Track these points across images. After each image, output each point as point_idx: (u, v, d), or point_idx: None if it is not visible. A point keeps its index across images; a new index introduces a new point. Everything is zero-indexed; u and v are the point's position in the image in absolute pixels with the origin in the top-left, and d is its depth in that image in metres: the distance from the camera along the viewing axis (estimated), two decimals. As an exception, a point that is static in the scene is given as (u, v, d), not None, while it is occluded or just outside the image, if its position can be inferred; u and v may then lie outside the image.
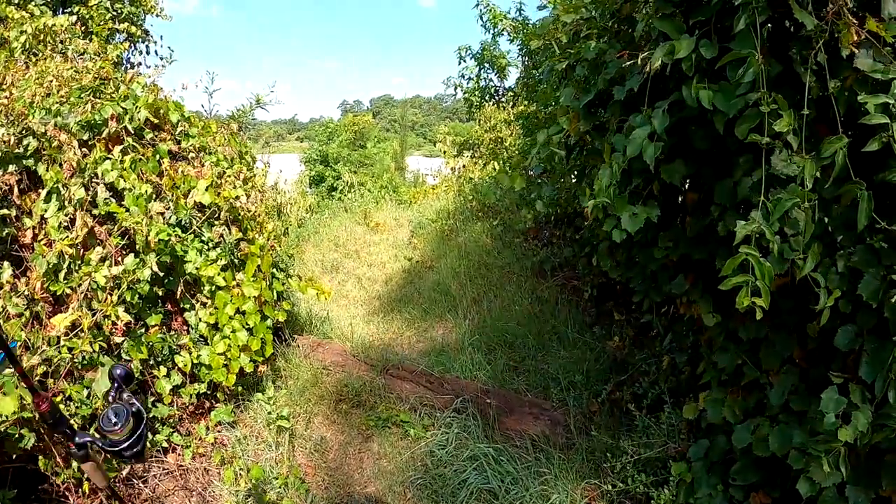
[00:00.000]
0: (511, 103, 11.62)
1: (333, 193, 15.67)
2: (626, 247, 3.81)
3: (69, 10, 8.17)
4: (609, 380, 4.99)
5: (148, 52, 9.30)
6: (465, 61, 11.76)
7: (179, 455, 4.13)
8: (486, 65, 11.63)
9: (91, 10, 8.15)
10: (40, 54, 5.94)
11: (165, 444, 4.09)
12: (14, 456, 3.14)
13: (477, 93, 11.63)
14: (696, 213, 3.22)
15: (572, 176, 4.20)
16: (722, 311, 3.24)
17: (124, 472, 3.72)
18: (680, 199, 3.57)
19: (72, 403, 3.42)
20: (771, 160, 2.45)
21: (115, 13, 8.54)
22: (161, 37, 9.37)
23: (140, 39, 9.14)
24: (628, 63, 2.95)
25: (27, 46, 6.19)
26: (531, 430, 4.49)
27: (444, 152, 16.58)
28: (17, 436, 3.08)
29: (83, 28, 7.69)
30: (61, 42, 6.40)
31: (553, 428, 4.52)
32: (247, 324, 4.45)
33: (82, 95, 4.47)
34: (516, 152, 11.42)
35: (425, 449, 4.44)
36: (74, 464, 3.36)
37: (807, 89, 2.35)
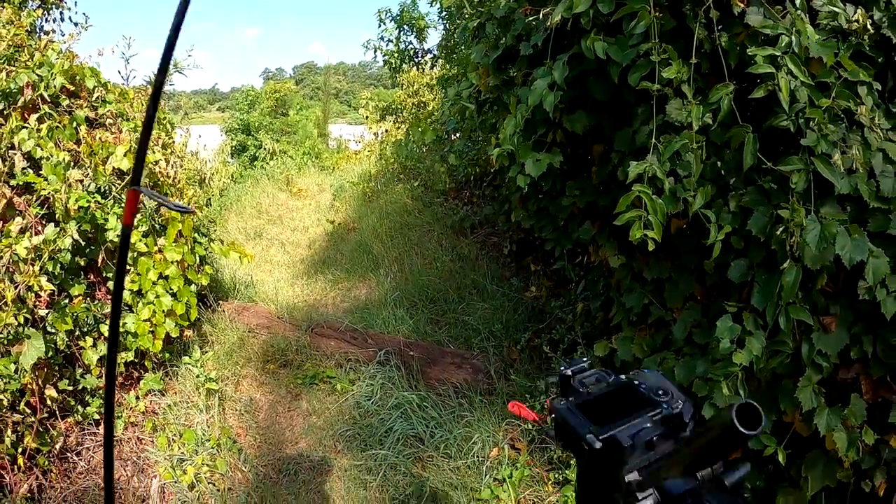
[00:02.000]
0: (431, 65, 11.68)
1: (255, 162, 15.52)
2: (537, 197, 4.01)
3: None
4: (528, 328, 5.23)
5: (62, 19, 9.00)
6: (384, 24, 11.72)
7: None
8: (406, 27, 11.62)
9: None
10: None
11: (97, 416, 4.10)
12: None
13: (397, 55, 11.64)
14: (601, 163, 3.42)
15: (483, 131, 4.36)
16: (627, 254, 3.45)
17: (57, 447, 3.73)
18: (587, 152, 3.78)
19: (0, 380, 3.44)
20: (665, 108, 2.63)
21: (27, -21, 8.24)
22: (75, 2, 9.09)
23: (53, 6, 8.85)
24: (531, 18, 3.12)
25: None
26: (454, 378, 4.70)
27: (367, 118, 16.55)
28: None
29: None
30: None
31: (475, 375, 4.74)
32: (170, 289, 4.49)
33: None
34: (437, 116, 11.54)
35: (352, 401, 4.61)
36: (7, 440, 3.38)
37: (695, 41, 2.56)
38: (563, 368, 1.09)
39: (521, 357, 4.93)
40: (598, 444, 0.89)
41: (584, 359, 1.11)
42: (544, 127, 3.26)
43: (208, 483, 3.91)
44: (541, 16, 3.00)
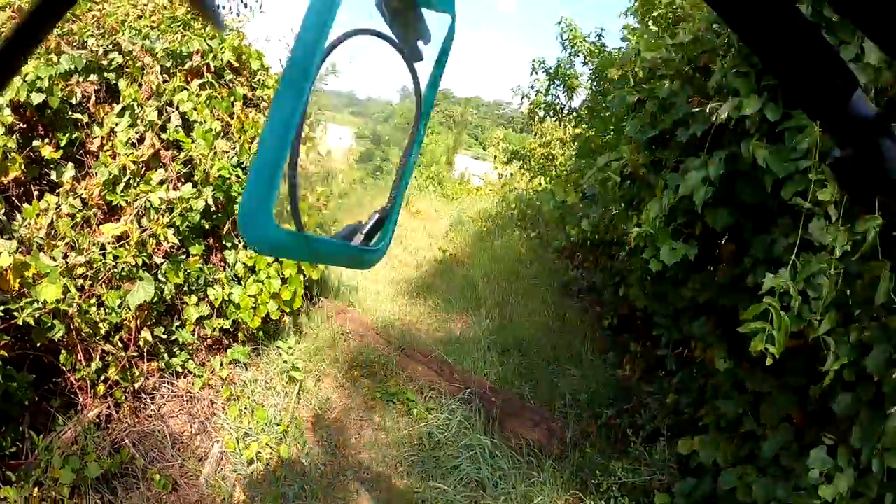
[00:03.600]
0: (573, 123, 11.67)
1: (378, 174, 15.81)
2: (658, 281, 3.92)
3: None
4: (612, 405, 5.09)
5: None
6: (536, 73, 11.77)
7: (190, 382, 4.28)
8: (557, 81, 11.64)
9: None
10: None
11: (179, 369, 4.26)
12: (39, 345, 3.26)
13: (543, 106, 11.66)
14: (731, 262, 3.32)
15: (621, 204, 4.30)
16: (734, 360, 3.34)
17: (136, 386, 3.87)
18: (716, 248, 3.68)
19: (103, 309, 3.58)
20: (809, 226, 2.55)
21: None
22: (252, -13, 9.53)
23: (228, -18, 9.30)
24: (697, 109, 3.08)
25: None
26: (529, 434, 4.60)
27: (495, 157, 16.68)
28: (49, 325, 3.21)
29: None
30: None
31: (549, 437, 4.63)
32: (282, 273, 4.60)
33: (172, 25, 4.63)
34: (564, 171, 11.47)
35: (425, 429, 4.57)
36: (94, 365, 3.53)
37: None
38: None
39: (598, 432, 4.80)
40: None
41: None
42: (686, 217, 3.22)
43: (266, 464, 3.95)
44: (707, 109, 2.95)
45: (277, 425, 4.21)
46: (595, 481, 4.12)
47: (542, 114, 11.56)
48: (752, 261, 3.05)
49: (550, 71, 11.25)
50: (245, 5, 9.41)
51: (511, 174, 14.77)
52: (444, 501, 3.94)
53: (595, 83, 9.94)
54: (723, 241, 3.50)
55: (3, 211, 3.37)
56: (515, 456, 4.37)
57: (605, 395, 5.31)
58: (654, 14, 5.80)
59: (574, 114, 11.49)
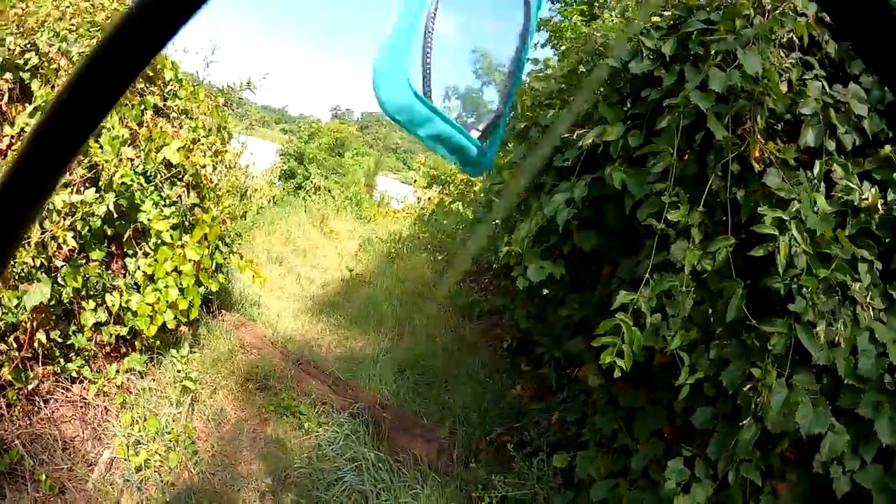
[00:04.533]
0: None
1: (299, 192, 15.77)
2: (540, 302, 4.14)
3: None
4: (503, 423, 5.27)
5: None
6: (449, 100, 12.03)
7: (85, 388, 4.25)
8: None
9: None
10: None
11: (74, 374, 4.23)
12: None
13: (455, 132, 11.91)
14: (606, 283, 3.55)
15: (500, 225, 4.51)
16: (607, 377, 3.54)
17: (29, 388, 3.85)
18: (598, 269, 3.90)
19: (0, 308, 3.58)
20: (672, 247, 2.76)
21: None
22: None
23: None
24: (567, 136, 3.32)
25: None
26: (417, 449, 4.72)
27: (415, 181, 16.83)
28: None
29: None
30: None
31: (438, 454, 4.76)
32: (180, 283, 4.63)
33: (91, 30, 4.65)
34: (481, 196, 11.73)
35: (314, 442, 4.66)
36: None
37: (706, 190, 2.72)
38: None
39: (487, 449, 4.95)
40: None
41: None
42: (556, 237, 3.41)
43: (155, 471, 3.98)
44: (574, 136, 3.19)
45: (168, 433, 4.23)
46: (477, 494, 4.27)
47: (455, 139, 11.78)
48: (619, 281, 3.23)
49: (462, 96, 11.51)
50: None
51: (429, 198, 14.96)
52: (327, 513, 4.04)
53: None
54: (599, 263, 3.71)
55: None
56: (401, 469, 4.48)
57: (496, 413, 5.48)
58: (562, 48, 6.12)
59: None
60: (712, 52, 2.81)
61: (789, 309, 2.49)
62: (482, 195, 4.32)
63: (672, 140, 2.77)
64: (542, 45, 9.06)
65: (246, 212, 10.64)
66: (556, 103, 4.04)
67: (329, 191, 15.91)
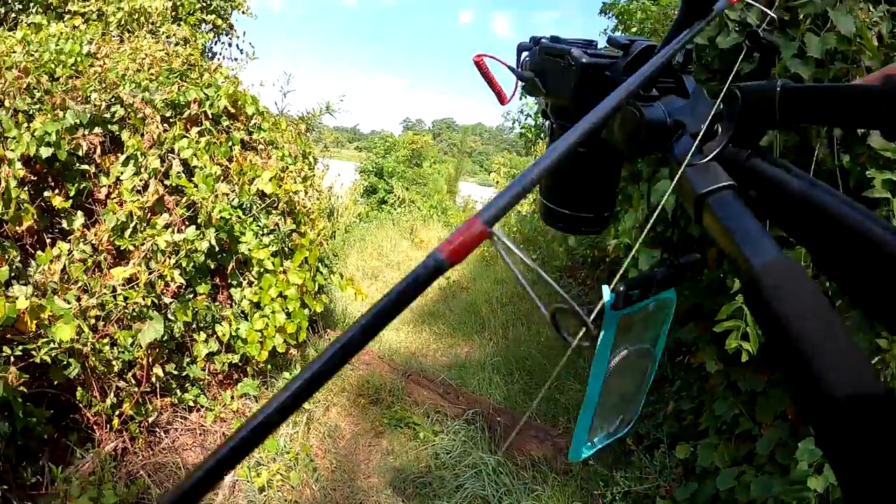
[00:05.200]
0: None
1: (383, 206, 15.96)
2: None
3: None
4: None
5: (230, 45, 9.79)
6: (525, 98, 11.93)
7: (202, 416, 4.42)
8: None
9: (181, -3, 8.69)
10: (133, 32, 6.40)
11: (191, 404, 4.42)
12: (56, 382, 3.43)
13: (534, 129, 11.79)
14: (715, 266, 3.45)
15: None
16: (725, 362, 3.43)
17: (149, 420, 4.03)
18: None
19: (116, 348, 3.74)
20: (783, 222, 2.66)
21: (204, 3, 9.05)
22: (244, 32, 9.86)
23: (224, 32, 9.62)
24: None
25: (122, 23, 6.64)
26: (534, 451, 4.70)
27: (497, 182, 16.84)
28: (65, 363, 3.38)
29: (173, 13, 8.18)
30: (152, 23, 6.86)
31: (555, 453, 4.73)
32: (287, 308, 4.76)
33: (170, 76, 4.87)
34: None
35: (431, 451, 4.69)
36: (109, 401, 3.70)
37: (815, 158, 2.60)
38: (536, 35, 0.88)
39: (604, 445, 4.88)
40: (587, 59, 0.74)
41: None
42: (663, 225, 3.33)
43: (278, 491, 4.07)
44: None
45: (287, 453, 4.34)
46: (599, 492, 4.22)
47: (533, 136, 11.68)
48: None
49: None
50: (241, 51, 9.72)
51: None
52: (450, 521, 4.06)
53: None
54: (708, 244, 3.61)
55: (18, 258, 3.54)
56: (520, 472, 4.47)
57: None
58: (633, 29, 6.00)
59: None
60: (800, 16, 2.69)
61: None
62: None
63: (773, 112, 2.66)
64: (614, 31, 8.88)
65: (335, 231, 10.88)
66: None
67: (413, 202, 16.05)
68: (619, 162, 0.84)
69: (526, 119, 11.60)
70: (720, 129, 0.62)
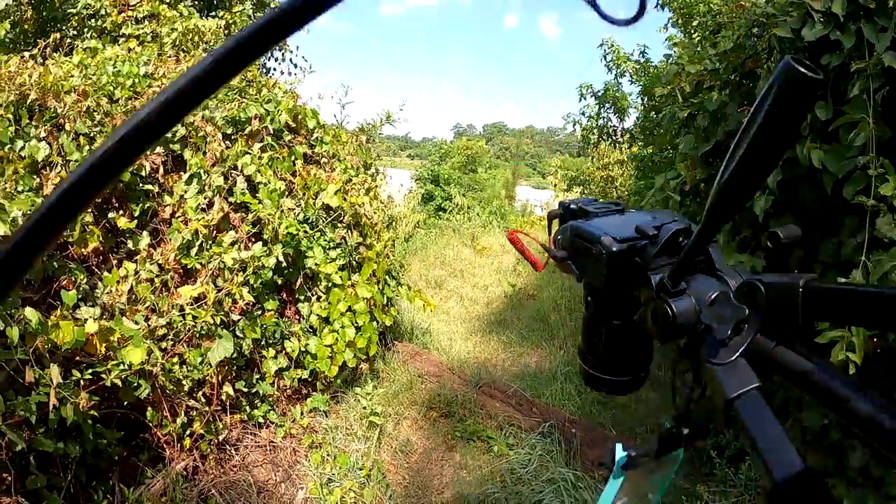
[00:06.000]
0: (628, 144, 11.60)
1: (441, 213, 15.95)
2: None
3: (214, 13, 8.84)
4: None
5: (283, 60, 9.88)
6: (585, 98, 11.75)
7: (272, 432, 4.39)
8: (607, 104, 11.59)
9: (234, 16, 8.80)
10: (189, 52, 6.46)
11: (261, 420, 4.39)
12: (126, 403, 3.41)
13: (595, 131, 11.62)
14: (801, 270, 3.26)
15: (683, 224, 4.28)
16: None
17: (220, 438, 4.01)
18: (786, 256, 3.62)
19: (185, 367, 3.74)
20: (876, 223, 2.51)
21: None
22: (297, 47, 9.92)
23: (278, 48, 9.72)
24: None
25: (177, 43, 6.71)
26: (612, 464, 4.55)
27: (555, 185, 16.68)
28: (135, 385, 3.38)
29: (226, 32, 8.27)
30: (206, 43, 6.92)
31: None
32: (356, 322, 4.71)
33: (229, 94, 4.88)
34: (626, 193, 11.38)
35: (506, 466, 4.56)
36: (179, 420, 3.69)
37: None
38: (564, 201, 0.97)
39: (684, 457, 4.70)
40: (618, 246, 0.78)
41: (592, 197, 1.02)
42: (749, 229, 3.18)
43: (351, 508, 4.01)
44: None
45: (360, 470, 4.28)
46: (683, 507, 4.06)
47: (595, 138, 11.51)
48: (821, 267, 2.99)
49: (599, 94, 11.22)
50: (296, 66, 9.80)
51: (573, 201, 14.71)
52: (529, 537, 3.94)
53: (644, 101, 9.91)
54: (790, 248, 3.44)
55: (85, 280, 3.56)
56: (599, 487, 4.31)
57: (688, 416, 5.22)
58: (695, 23, 5.79)
59: (627, 134, 11.43)
60: (890, 3, 2.52)
61: None
62: (652, 193, 4.10)
63: (864, 107, 2.50)
64: (671, 26, 8.66)
65: (394, 240, 10.89)
66: (716, 85, 3.79)
67: (470, 208, 16.00)
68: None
69: (587, 120, 11.42)
70: (746, 327, 0.64)
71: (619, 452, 0.72)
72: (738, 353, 0.63)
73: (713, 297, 0.69)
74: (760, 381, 0.61)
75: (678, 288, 0.70)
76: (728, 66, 3.70)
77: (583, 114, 11.55)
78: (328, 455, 4.37)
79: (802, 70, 0.53)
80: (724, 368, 0.63)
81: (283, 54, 9.83)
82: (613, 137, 11.65)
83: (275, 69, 9.95)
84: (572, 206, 0.94)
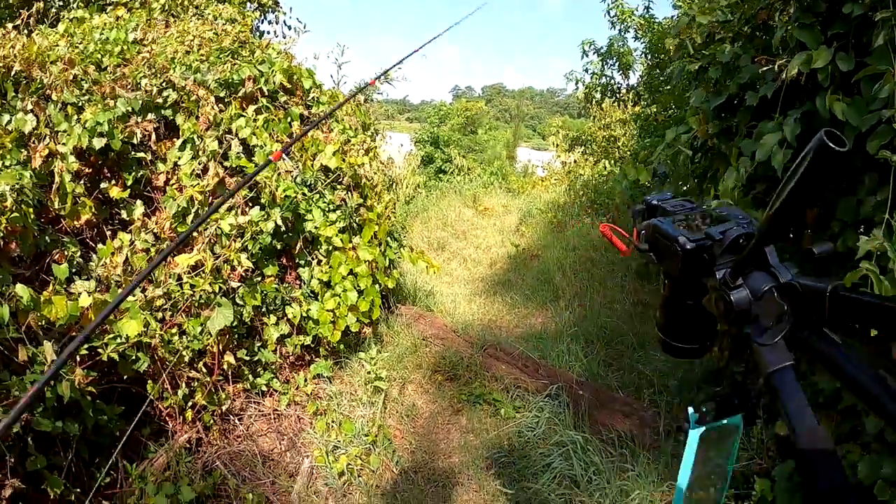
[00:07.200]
0: (633, 102, 11.42)
1: (441, 175, 15.82)
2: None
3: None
4: (702, 389, 4.92)
5: (276, 22, 9.66)
6: (587, 56, 11.53)
7: (276, 400, 4.33)
8: (610, 61, 11.38)
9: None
10: (178, 16, 6.28)
11: (264, 388, 4.33)
12: (125, 377, 3.37)
13: (599, 88, 11.43)
14: (816, 228, 3.16)
15: (693, 179, 4.16)
16: (826, 329, 3.16)
17: (223, 408, 3.94)
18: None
19: (185, 337, 3.66)
20: (896, 180, 2.39)
21: (248, -19, 8.90)
22: (290, 8, 9.70)
23: (270, 9, 9.51)
24: (763, 69, 2.93)
25: (166, 8, 6.53)
26: (620, 426, 4.48)
27: (556, 146, 16.51)
28: (133, 358, 3.32)
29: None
30: (196, 6, 6.72)
31: (641, 428, 4.50)
32: (358, 285, 4.61)
33: (221, 56, 4.75)
34: (628, 153, 11.24)
35: (514, 429, 4.50)
36: (180, 392, 3.63)
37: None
38: (647, 198, 1.18)
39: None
40: (691, 245, 0.97)
41: (668, 192, 1.19)
42: (765, 184, 3.07)
43: (357, 475, 3.96)
44: (775, 67, 2.80)
45: (366, 436, 4.22)
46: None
47: (598, 96, 11.33)
48: (840, 225, 2.87)
49: (602, 51, 11.02)
50: (289, 27, 9.59)
51: (574, 161, 14.60)
52: (538, 501, 3.87)
53: (650, 57, 9.71)
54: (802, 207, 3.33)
55: (78, 253, 3.49)
56: (608, 449, 4.25)
57: (693, 379, 5.14)
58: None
59: (632, 92, 11.25)
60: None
61: None
62: (661, 149, 3.97)
63: (889, 58, 2.36)
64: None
65: (395, 202, 10.79)
66: (728, 37, 3.65)
67: (470, 169, 15.89)
68: None
69: (590, 77, 11.23)
70: (785, 318, 0.85)
71: (692, 414, 0.95)
72: (778, 338, 0.85)
73: (762, 292, 0.88)
74: (793, 359, 0.83)
75: (737, 283, 0.91)
76: (741, 18, 3.56)
77: (586, 70, 11.36)
78: (333, 422, 4.31)
79: (831, 145, 0.73)
80: (767, 349, 0.86)
81: (276, 17, 9.61)
82: (618, 95, 11.49)
83: (268, 32, 9.74)
84: (653, 202, 1.16)
